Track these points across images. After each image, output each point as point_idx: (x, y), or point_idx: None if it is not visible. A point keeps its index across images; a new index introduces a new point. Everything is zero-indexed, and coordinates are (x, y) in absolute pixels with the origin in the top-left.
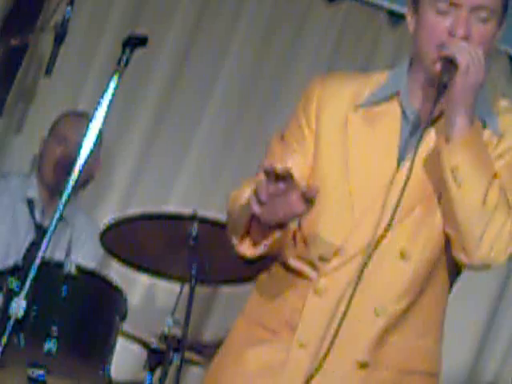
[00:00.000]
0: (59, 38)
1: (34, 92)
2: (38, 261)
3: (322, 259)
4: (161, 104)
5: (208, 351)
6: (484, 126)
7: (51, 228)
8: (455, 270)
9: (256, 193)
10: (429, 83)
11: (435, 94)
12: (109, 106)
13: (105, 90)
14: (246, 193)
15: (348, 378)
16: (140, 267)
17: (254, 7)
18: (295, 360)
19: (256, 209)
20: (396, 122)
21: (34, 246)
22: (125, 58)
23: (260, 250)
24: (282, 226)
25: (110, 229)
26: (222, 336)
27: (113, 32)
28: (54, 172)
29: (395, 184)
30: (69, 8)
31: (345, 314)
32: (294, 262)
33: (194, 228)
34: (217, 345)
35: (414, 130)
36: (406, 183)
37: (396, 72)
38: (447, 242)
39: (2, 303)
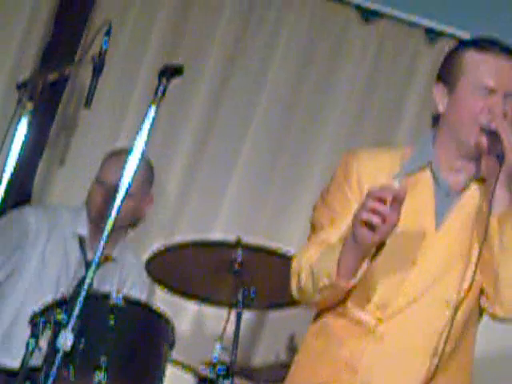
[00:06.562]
0: (97, 70)
1: (75, 124)
2: (83, 292)
3: (380, 308)
4: (201, 132)
5: (257, 376)
6: None
7: (95, 260)
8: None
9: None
10: (461, 154)
11: (497, 165)
12: (148, 136)
13: (143, 121)
14: (316, 255)
15: None
16: (186, 294)
17: (290, 30)
18: None
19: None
20: (430, 188)
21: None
22: (162, 88)
23: (355, 279)
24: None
25: (155, 257)
26: (270, 360)
27: (150, 62)
28: (96, 213)
29: (437, 241)
30: (106, 39)
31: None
32: (352, 311)
33: (239, 254)
34: (266, 369)
35: (446, 196)
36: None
37: (422, 145)
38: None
39: (50, 336)
